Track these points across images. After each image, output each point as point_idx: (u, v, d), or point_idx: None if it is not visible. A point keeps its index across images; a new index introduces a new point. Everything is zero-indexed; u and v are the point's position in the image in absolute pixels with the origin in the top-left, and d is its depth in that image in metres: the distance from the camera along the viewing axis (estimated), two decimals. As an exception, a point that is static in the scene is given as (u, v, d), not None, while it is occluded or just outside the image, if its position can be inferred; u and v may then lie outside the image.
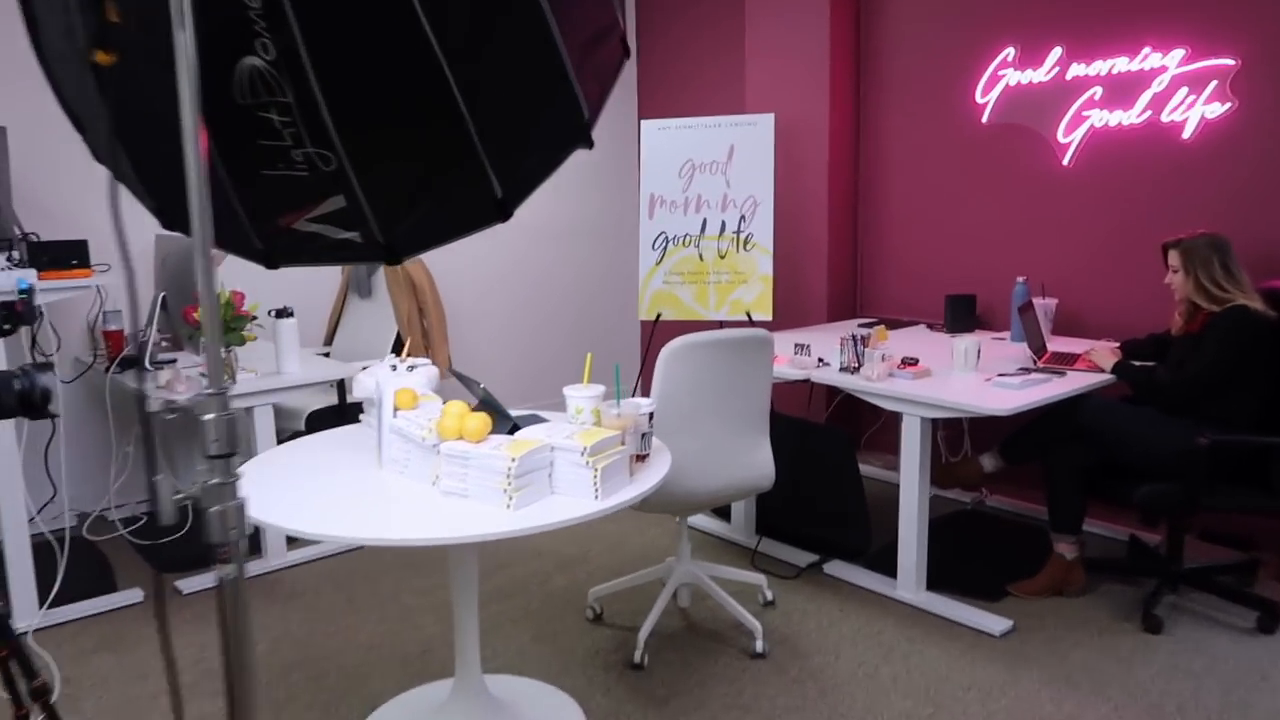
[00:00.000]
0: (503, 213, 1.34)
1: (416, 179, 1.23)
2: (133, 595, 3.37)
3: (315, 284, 4.82)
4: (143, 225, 1.93)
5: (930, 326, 4.36)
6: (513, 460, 1.99)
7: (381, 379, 2.40)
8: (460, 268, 5.35)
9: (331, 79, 1.13)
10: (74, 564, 3.68)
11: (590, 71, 1.35)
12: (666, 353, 2.72)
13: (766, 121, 4.42)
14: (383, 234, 1.26)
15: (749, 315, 4.40)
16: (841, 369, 3.36)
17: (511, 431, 2.25)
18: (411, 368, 2.67)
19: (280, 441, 4.39)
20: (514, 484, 2.00)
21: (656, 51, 5.95)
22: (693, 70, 5.73)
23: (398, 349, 4.31)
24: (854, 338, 3.36)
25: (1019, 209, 4.23)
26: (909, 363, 3.30)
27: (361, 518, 2.01)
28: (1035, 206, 4.17)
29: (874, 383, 3.18)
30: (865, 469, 4.54)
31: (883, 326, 3.51)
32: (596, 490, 2.04)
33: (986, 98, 4.28)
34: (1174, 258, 3.18)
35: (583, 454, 2.04)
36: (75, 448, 4.14)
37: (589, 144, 1.35)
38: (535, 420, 2.46)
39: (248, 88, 1.13)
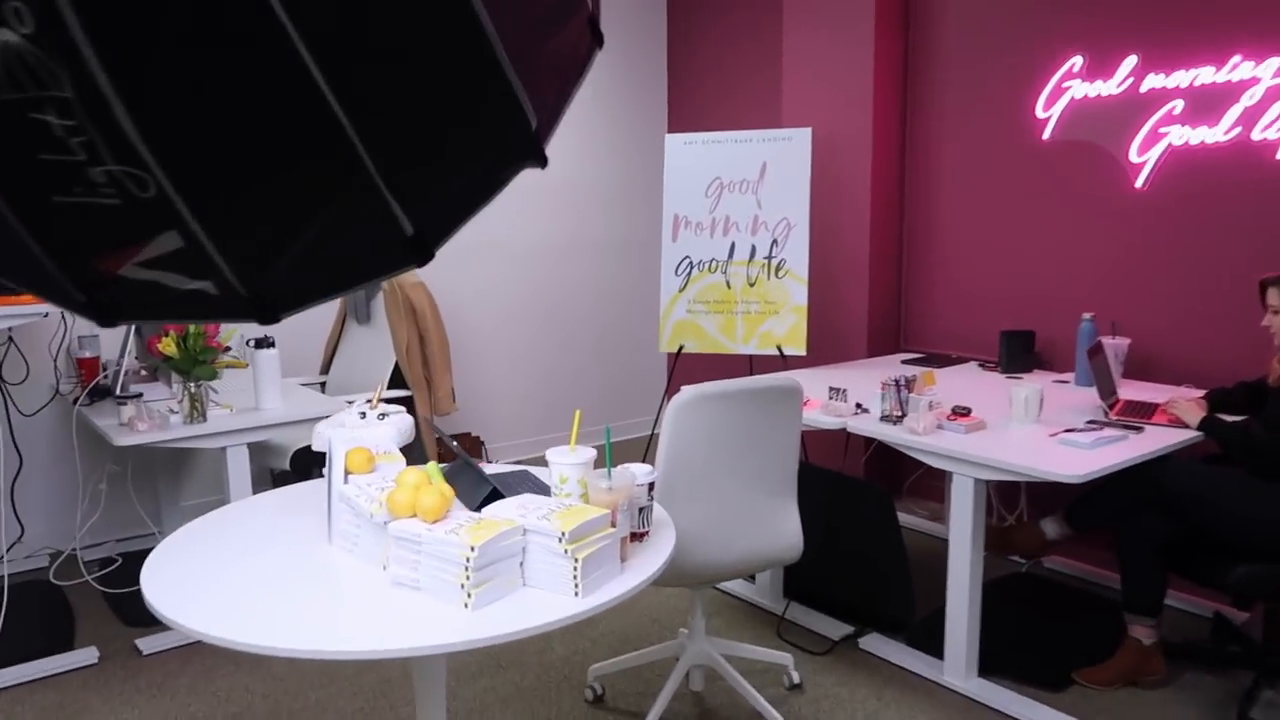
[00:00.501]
0: (419, 253, 0.95)
1: (283, 211, 0.86)
2: (87, 656, 3.04)
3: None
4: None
5: (983, 365, 3.92)
6: (472, 549, 1.61)
7: (334, 436, 2.03)
8: (468, 290, 5.02)
9: (126, 65, 0.76)
10: (34, 612, 3.38)
11: (541, 65, 0.97)
12: (676, 406, 2.34)
13: (803, 136, 4.03)
14: (244, 285, 0.88)
15: (780, 350, 4.00)
16: (883, 417, 2.95)
17: (485, 502, 1.88)
18: (383, 415, 2.31)
19: (272, 479, 4.10)
20: (473, 578, 1.62)
21: (688, 63, 5.59)
22: (726, 83, 5.36)
23: (397, 380, 3.97)
24: (897, 382, 2.95)
25: (1085, 236, 3.79)
26: (960, 413, 2.88)
27: (288, 615, 1.64)
28: (1104, 234, 3.73)
29: (920, 436, 2.77)
30: (906, 519, 4.10)
31: (930, 371, 3.09)
32: (577, 586, 1.66)
33: (1049, 112, 3.85)
34: (1275, 296, 2.73)
35: (560, 540, 1.66)
36: (45, 483, 3.85)
37: (540, 161, 0.96)
38: (526, 482, 2.07)
39: (2, 76, 0.76)
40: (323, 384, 4.30)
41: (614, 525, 1.77)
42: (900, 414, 2.92)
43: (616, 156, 5.52)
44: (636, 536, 1.92)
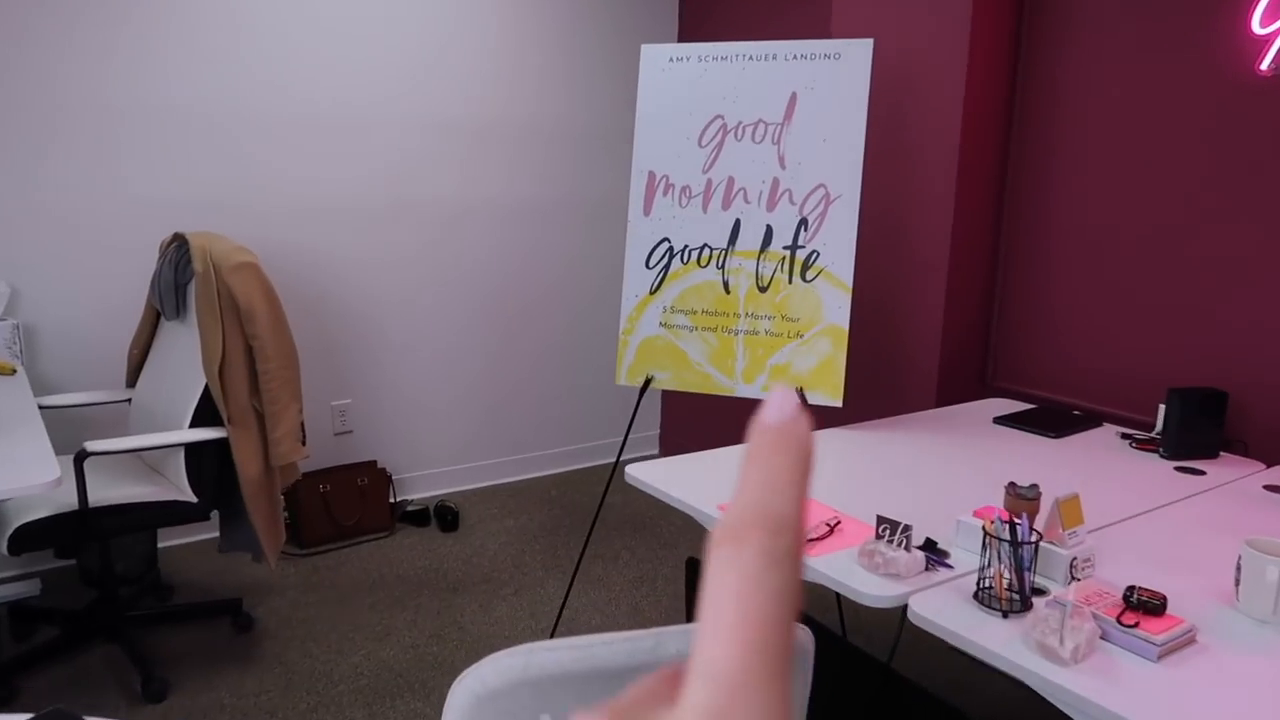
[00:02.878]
0: None
1: None
2: None
3: (118, 291, 3.14)
4: None
5: (1128, 437, 2.41)
6: None
7: None
8: (374, 264, 3.59)
9: None
10: None
11: None
12: (462, 699, 0.90)
13: (860, 53, 2.52)
14: None
15: (801, 396, 2.54)
16: (978, 594, 1.49)
17: None
18: None
19: None
20: None
21: (705, -40, 4.06)
22: (754, -13, 3.83)
23: (205, 414, 2.58)
24: (1011, 525, 1.48)
25: (1328, 236, 2.25)
26: (1145, 608, 1.40)
27: None
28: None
29: (1068, 668, 1.31)
30: None
31: (1075, 498, 1.62)
32: None
33: (1273, 26, 2.29)
34: None
35: None
36: None
37: None
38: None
39: None
40: (128, 401, 2.93)
41: None
42: (1019, 599, 1.45)
43: (597, 86, 4.03)
44: None
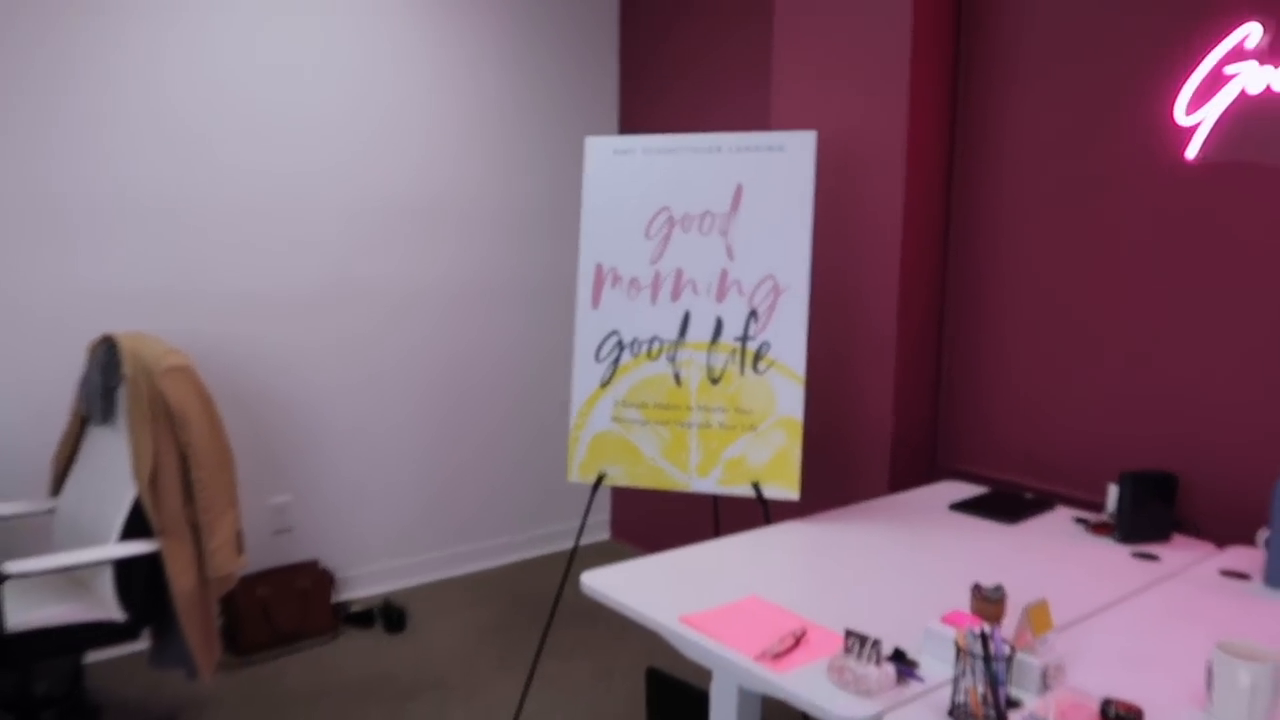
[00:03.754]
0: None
1: None
2: None
3: (42, 394, 3.01)
4: None
5: (1085, 523, 2.42)
6: None
7: None
8: (315, 351, 3.50)
9: None
10: None
11: None
12: None
13: (803, 144, 2.55)
14: None
15: (757, 490, 2.50)
16: (958, 713, 1.44)
17: None
18: None
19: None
20: None
21: (648, 46, 4.12)
22: (703, 67, 3.89)
23: (135, 525, 2.45)
24: (982, 636, 1.44)
25: (1269, 323, 2.31)
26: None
27: None
28: (1299, 318, 2.25)
29: (1047, 793, 1.27)
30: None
31: (1044, 605, 1.60)
32: None
33: (1198, 115, 2.38)
34: None
35: None
36: None
37: None
38: None
39: None
40: (50, 511, 2.77)
41: None
42: (994, 714, 1.41)
43: (541, 171, 4.03)
44: None
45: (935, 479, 3.01)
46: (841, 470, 2.99)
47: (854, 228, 2.93)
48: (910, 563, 2.09)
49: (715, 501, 2.93)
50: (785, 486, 2.46)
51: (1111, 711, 1.37)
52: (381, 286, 3.62)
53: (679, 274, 2.61)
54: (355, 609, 3.47)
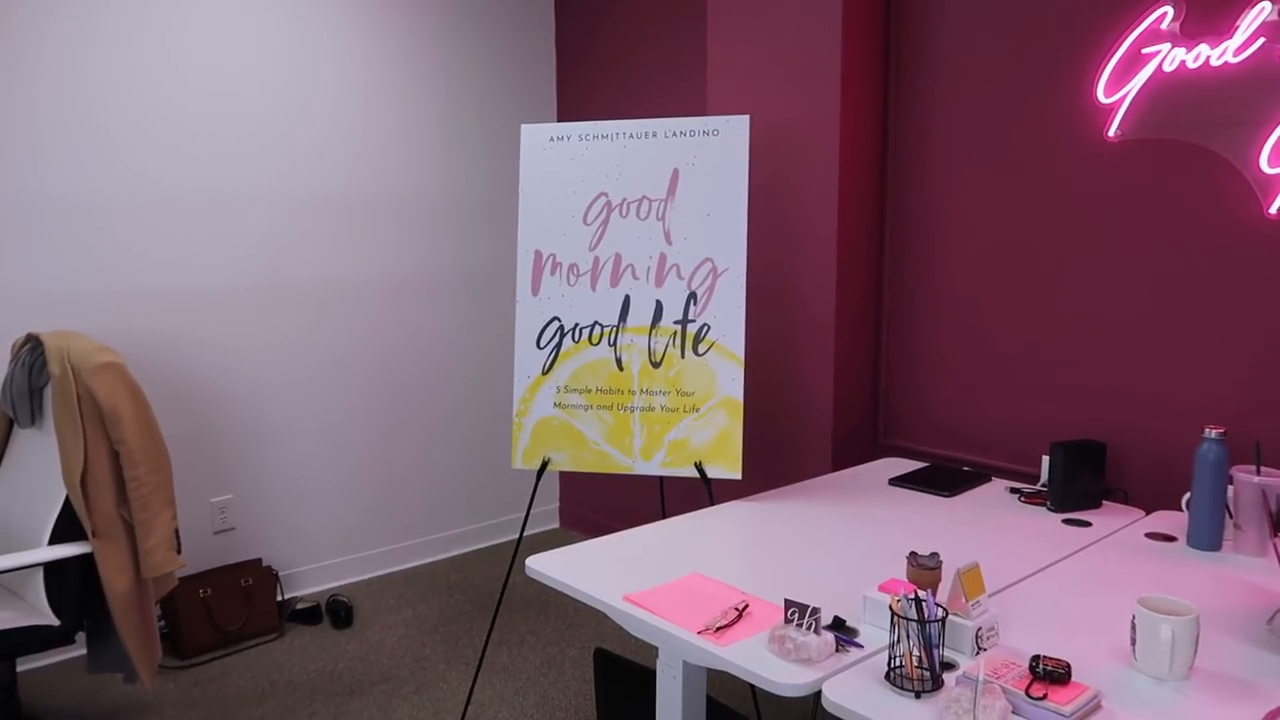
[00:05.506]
0: None
1: None
2: None
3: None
4: None
5: (1019, 492, 2.48)
6: None
7: None
8: (254, 349, 3.44)
9: None
10: None
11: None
12: None
13: (737, 129, 2.57)
14: None
15: (701, 470, 2.52)
16: (895, 676, 1.47)
17: None
18: None
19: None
20: None
21: (586, 36, 4.12)
22: (638, 60, 3.90)
23: (66, 527, 2.40)
24: (916, 601, 1.47)
25: (1187, 296, 2.39)
26: (1051, 678, 1.41)
27: None
28: (1220, 293, 2.33)
29: (980, 748, 1.30)
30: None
31: (976, 569, 1.65)
32: None
33: (1118, 95, 2.45)
34: None
35: None
36: None
37: None
38: None
39: None
40: (-22, 518, 2.69)
41: None
42: (929, 676, 1.44)
43: (477, 161, 4.01)
44: None
45: (877, 456, 3.07)
46: (785, 450, 3.03)
47: (792, 212, 2.97)
48: (851, 536, 2.12)
49: (661, 484, 2.95)
50: (728, 466, 2.49)
51: (1040, 667, 1.41)
52: (321, 282, 3.57)
53: (618, 259, 2.62)
54: (301, 606, 3.42)
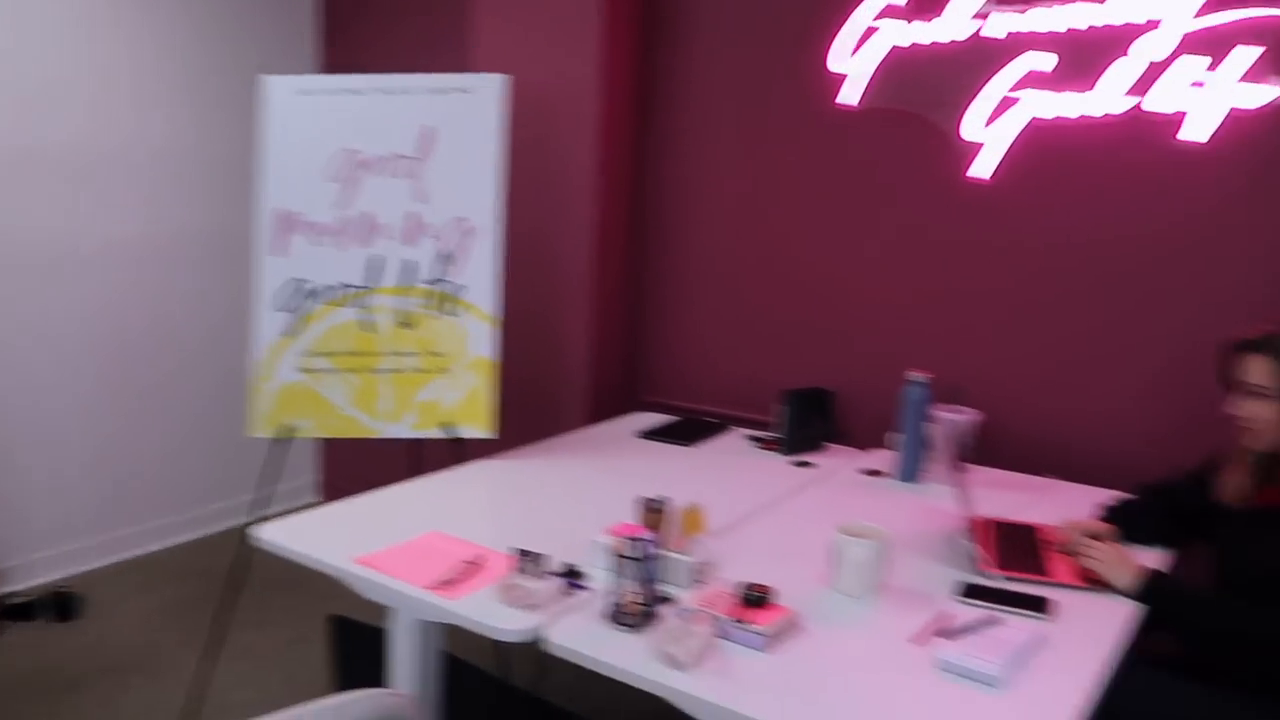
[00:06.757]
0: None
1: None
2: None
3: None
4: None
5: (757, 439, 2.63)
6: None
7: None
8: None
9: None
10: None
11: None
12: None
13: (491, 87, 2.55)
14: None
15: (450, 430, 2.50)
16: (615, 615, 1.53)
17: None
18: None
19: None
20: None
21: (335, -12, 3.93)
22: (410, 16, 3.77)
23: None
24: (636, 541, 1.53)
25: (906, 252, 2.60)
26: (756, 603, 1.51)
27: None
28: (932, 249, 2.56)
29: (687, 670, 1.38)
30: None
31: (696, 509, 1.74)
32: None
33: (850, 65, 2.63)
34: (1260, 369, 1.61)
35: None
36: None
37: None
38: None
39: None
40: None
41: None
42: (644, 608, 1.51)
43: (215, 116, 3.74)
44: None
45: (635, 410, 3.16)
46: (544, 410, 3.06)
47: (553, 173, 2.98)
48: (594, 487, 2.18)
49: (419, 448, 2.90)
50: (479, 426, 2.48)
51: (746, 594, 1.51)
52: (41, 252, 3.23)
53: (367, 218, 2.53)
54: (17, 600, 3.11)
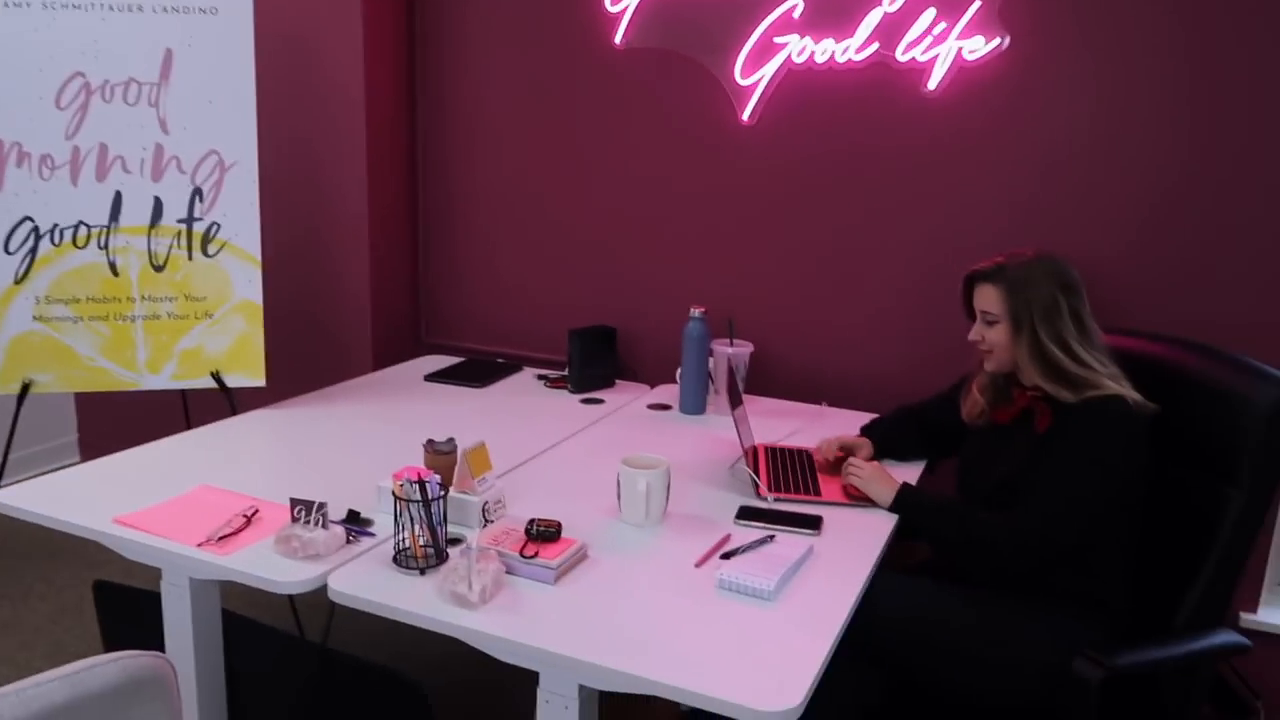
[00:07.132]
0: None
1: None
2: None
3: None
4: None
5: (545, 378, 2.65)
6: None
7: None
8: None
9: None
10: None
11: None
12: None
13: (239, 8, 2.34)
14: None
15: (218, 379, 2.34)
16: (396, 556, 1.51)
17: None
18: None
19: None
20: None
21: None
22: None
23: None
24: (421, 483, 1.51)
25: (683, 193, 2.66)
26: (544, 537, 1.53)
27: None
28: (708, 191, 2.63)
29: (476, 609, 1.38)
30: None
31: (482, 446, 1.72)
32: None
33: (622, 4, 2.62)
34: (990, 297, 1.78)
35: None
36: None
37: None
38: None
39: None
40: None
41: None
42: (434, 553, 1.50)
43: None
44: None
45: (421, 355, 3.08)
46: (323, 355, 2.92)
47: (316, 104, 2.80)
48: (380, 433, 2.12)
49: (184, 399, 2.70)
50: (249, 374, 2.34)
51: (534, 529, 1.53)
52: None
53: (103, 150, 2.28)
54: None
